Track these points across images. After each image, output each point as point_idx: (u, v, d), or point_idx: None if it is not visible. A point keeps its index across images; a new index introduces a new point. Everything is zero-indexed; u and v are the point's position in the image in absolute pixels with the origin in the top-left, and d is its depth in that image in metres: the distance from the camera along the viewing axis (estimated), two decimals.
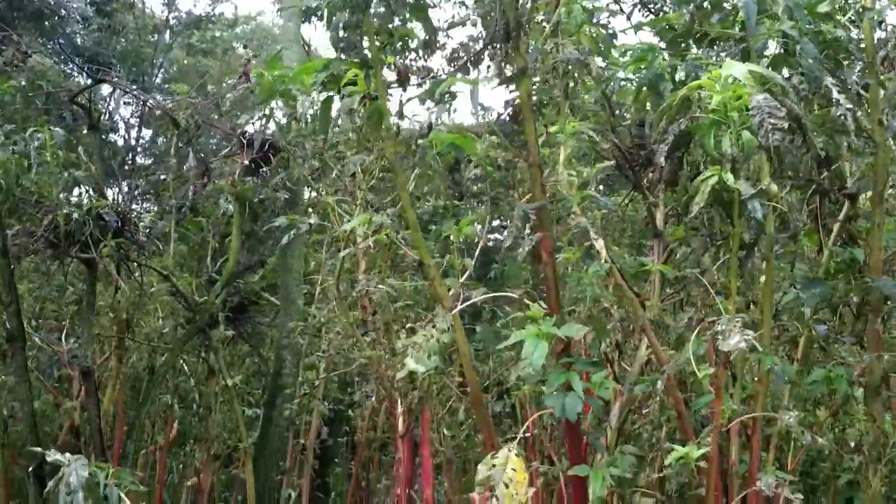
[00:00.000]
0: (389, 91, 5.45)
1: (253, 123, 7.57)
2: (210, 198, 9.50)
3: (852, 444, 6.92)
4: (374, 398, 8.82)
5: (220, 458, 11.47)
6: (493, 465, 4.42)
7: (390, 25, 5.08)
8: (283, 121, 7.99)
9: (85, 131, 11.19)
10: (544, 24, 5.78)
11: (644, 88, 5.61)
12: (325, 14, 4.89)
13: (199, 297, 9.46)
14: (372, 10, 4.91)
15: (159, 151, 20.29)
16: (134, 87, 11.24)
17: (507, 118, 6.11)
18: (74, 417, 9.23)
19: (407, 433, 7.52)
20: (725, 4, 5.54)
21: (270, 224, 7.91)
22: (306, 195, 10.20)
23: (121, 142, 18.93)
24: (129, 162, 18.68)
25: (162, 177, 12.15)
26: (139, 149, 20.46)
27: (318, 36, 39.52)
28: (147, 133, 20.71)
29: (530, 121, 5.05)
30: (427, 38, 5.40)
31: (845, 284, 5.82)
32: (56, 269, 9.23)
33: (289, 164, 8.88)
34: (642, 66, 5.44)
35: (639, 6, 12.41)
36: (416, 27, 5.66)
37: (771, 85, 4.56)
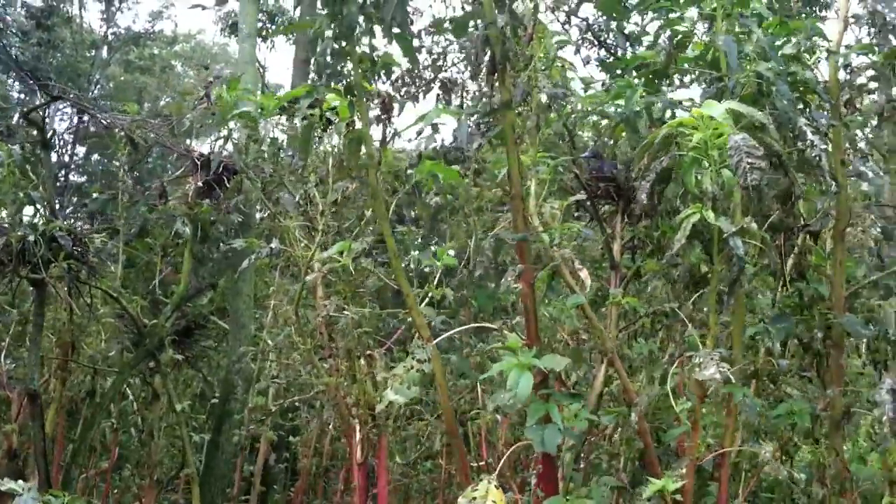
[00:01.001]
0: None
1: (210, 144, 7.45)
2: (160, 219, 9.34)
3: (802, 477, 7.04)
4: (330, 424, 8.71)
5: (162, 483, 11.21)
6: (474, 498, 4.39)
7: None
8: (242, 142, 7.89)
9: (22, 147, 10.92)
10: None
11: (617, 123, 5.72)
12: (311, 41, 4.86)
13: (147, 320, 9.27)
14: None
15: (93, 169, 19.96)
16: (91, 106, 10.98)
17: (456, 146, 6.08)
18: (13, 440, 8.94)
19: (365, 461, 7.43)
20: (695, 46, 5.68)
21: (226, 246, 7.79)
22: (258, 217, 10.09)
23: (54, 158, 18.60)
24: (63, 179, 18.31)
25: (96, 196, 11.88)
26: (72, 166, 20.11)
27: (271, 58, 39.82)
28: (81, 150, 20.38)
29: (514, 152, 5.08)
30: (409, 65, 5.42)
31: (808, 320, 5.93)
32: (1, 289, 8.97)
33: (242, 186, 8.78)
34: (619, 102, 5.51)
35: (587, 42, 12.63)
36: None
37: (748, 122, 4.66)
